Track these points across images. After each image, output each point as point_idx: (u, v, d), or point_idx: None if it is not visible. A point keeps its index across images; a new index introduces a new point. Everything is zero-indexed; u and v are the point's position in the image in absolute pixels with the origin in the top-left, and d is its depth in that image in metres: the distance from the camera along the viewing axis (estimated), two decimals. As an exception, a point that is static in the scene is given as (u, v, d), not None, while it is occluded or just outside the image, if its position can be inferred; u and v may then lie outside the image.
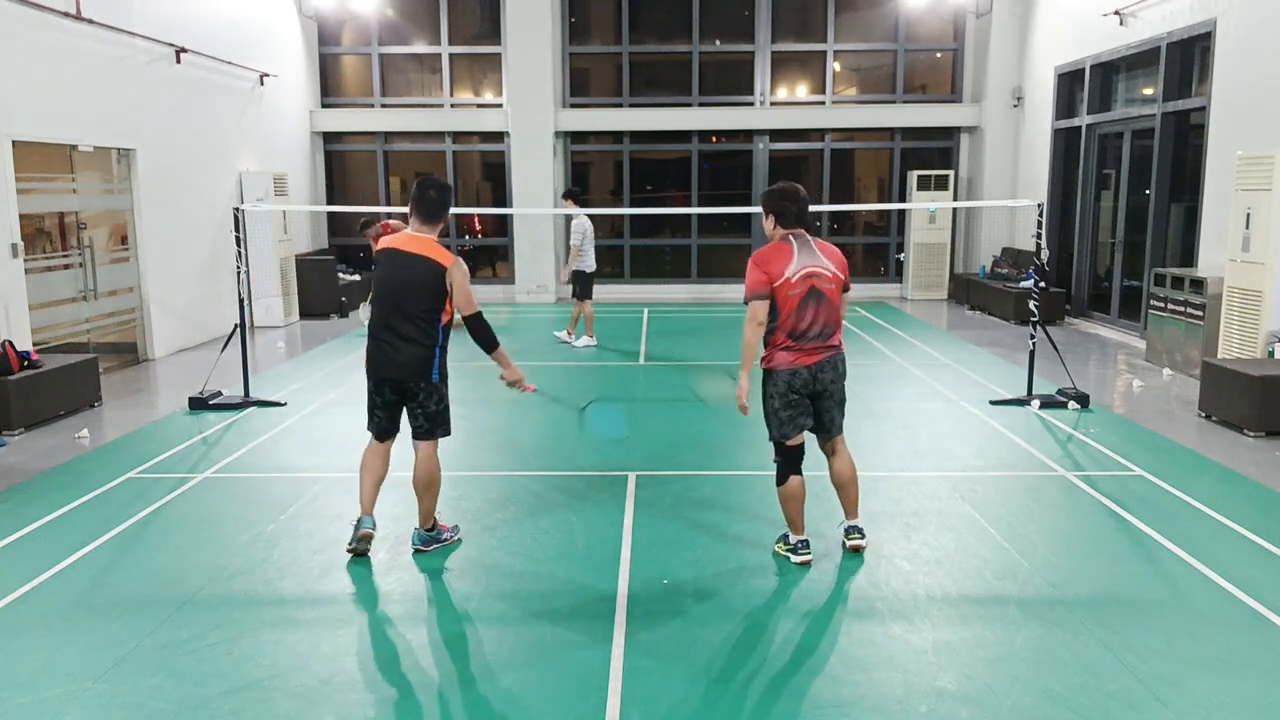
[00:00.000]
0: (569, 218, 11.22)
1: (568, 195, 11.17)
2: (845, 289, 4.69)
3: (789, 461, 4.74)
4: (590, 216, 11.17)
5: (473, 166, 16.76)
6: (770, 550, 4.95)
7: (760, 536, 5.14)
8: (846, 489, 4.86)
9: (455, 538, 5.12)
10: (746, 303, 4.59)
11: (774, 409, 4.67)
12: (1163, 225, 11.13)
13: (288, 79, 14.36)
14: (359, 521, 4.90)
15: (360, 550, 4.87)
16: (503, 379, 4.91)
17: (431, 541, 4.98)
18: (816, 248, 4.61)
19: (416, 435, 4.85)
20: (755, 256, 4.61)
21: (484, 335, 4.74)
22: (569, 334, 11.43)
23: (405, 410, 4.86)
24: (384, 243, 4.75)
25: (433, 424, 4.82)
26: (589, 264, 11.08)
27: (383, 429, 4.91)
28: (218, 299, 11.71)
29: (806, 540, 4.81)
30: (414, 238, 4.69)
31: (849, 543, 4.88)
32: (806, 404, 4.65)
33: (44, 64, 8.84)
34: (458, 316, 4.76)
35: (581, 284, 11.13)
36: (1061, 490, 5.98)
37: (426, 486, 4.88)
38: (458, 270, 4.63)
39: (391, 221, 11.08)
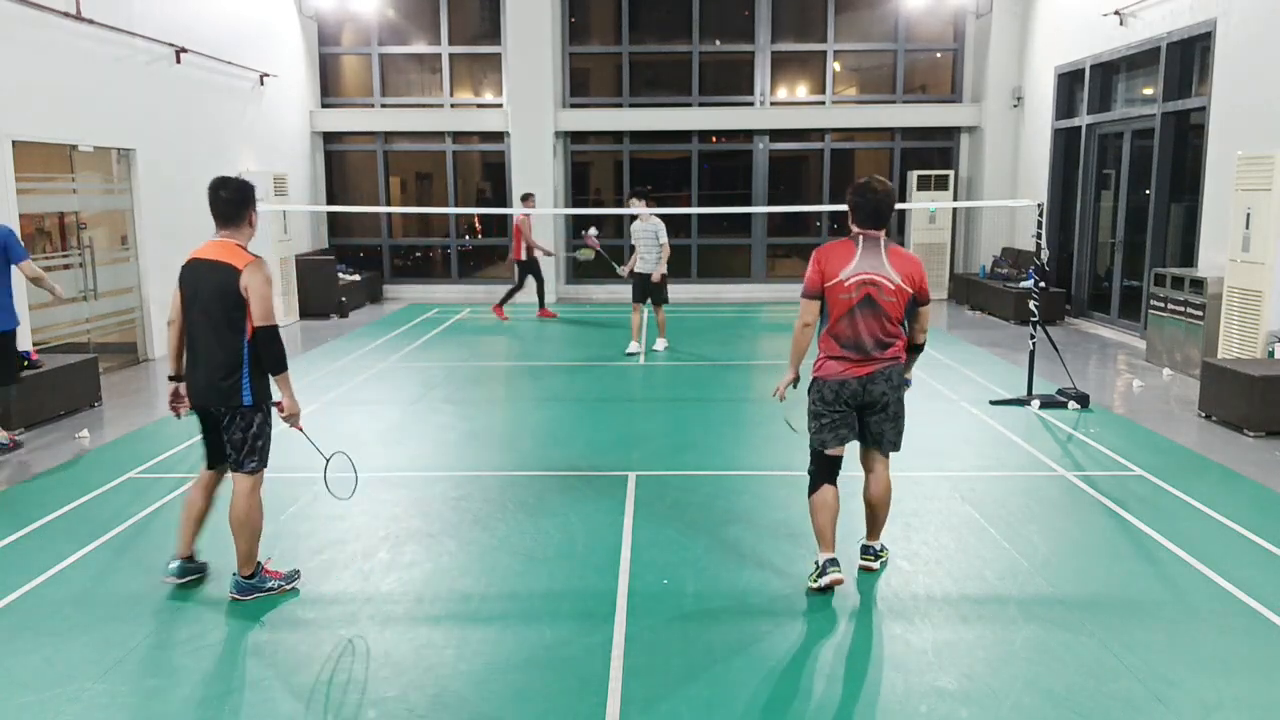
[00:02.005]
0: (631, 218, 10.91)
1: (640, 195, 10.41)
2: (924, 302, 4.35)
3: (823, 471, 4.44)
4: (593, 217, 11.04)
5: (473, 166, 16.76)
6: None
7: (760, 536, 5.14)
8: (875, 510, 4.58)
9: (287, 587, 4.48)
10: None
11: (815, 413, 4.39)
12: (1163, 225, 11.12)
13: (288, 79, 14.36)
14: (171, 563, 4.53)
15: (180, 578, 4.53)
16: (277, 405, 4.37)
17: (251, 590, 4.39)
18: (887, 254, 4.25)
19: (230, 465, 4.37)
20: (817, 251, 4.34)
21: (272, 354, 4.23)
22: (659, 341, 10.94)
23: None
24: (189, 256, 4.32)
25: (240, 453, 4.31)
26: (646, 267, 10.53)
27: (207, 455, 4.50)
28: (218, 299, 11.69)
29: (835, 558, 4.43)
30: (215, 244, 4.27)
31: (860, 561, 4.68)
32: (852, 416, 4.37)
33: (44, 64, 8.84)
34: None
35: (659, 289, 10.62)
36: (1061, 490, 5.98)
37: (239, 527, 4.35)
38: (253, 272, 4.16)
39: (529, 209, 12.07)
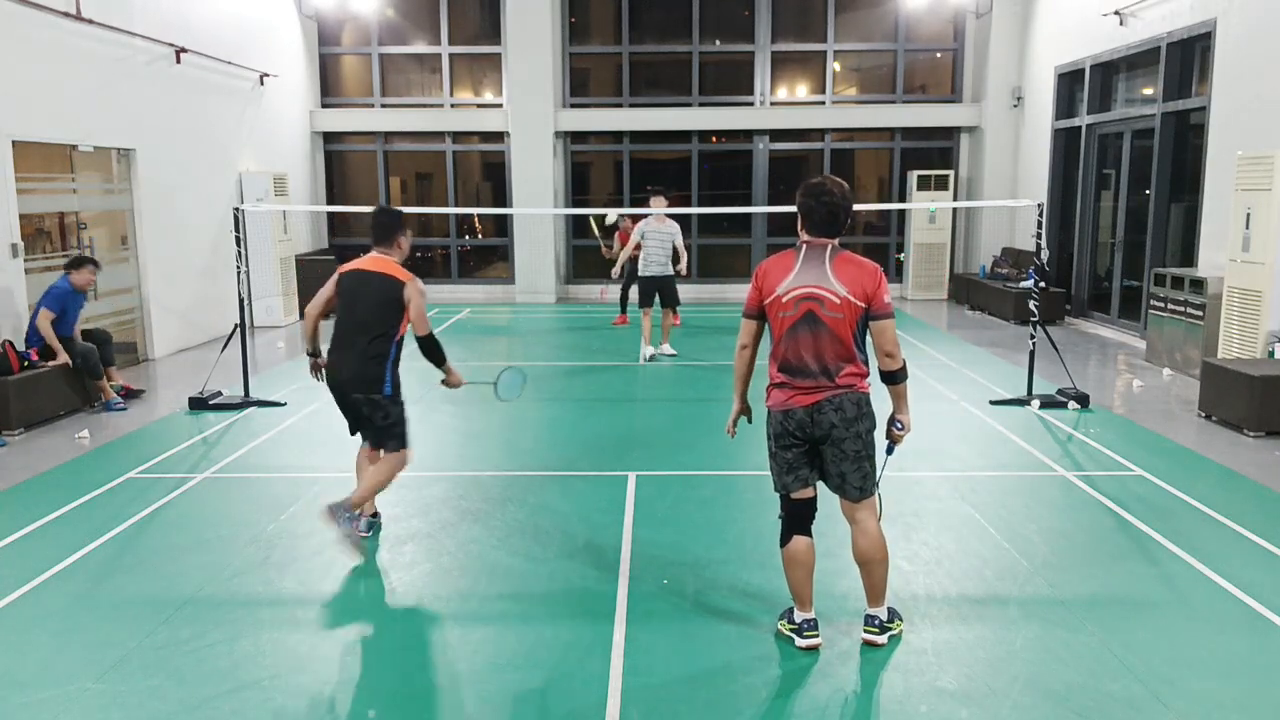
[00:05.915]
0: (639, 217, 10.68)
1: (663, 195, 10.18)
2: (878, 316, 3.73)
3: (794, 519, 3.91)
4: (586, 217, 10.97)
5: (473, 166, 16.76)
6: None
7: (760, 536, 5.13)
8: (868, 570, 3.92)
9: (364, 533, 5.02)
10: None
11: (770, 453, 3.91)
12: (1163, 225, 11.13)
13: (288, 79, 14.35)
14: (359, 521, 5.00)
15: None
16: (445, 383, 5.23)
17: (337, 510, 4.79)
18: (832, 264, 3.73)
19: (372, 444, 5.13)
20: (758, 266, 3.93)
21: (436, 355, 5.03)
22: (665, 345, 10.50)
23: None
24: (347, 267, 5.04)
25: (380, 436, 5.03)
26: (656, 269, 10.13)
27: (359, 434, 5.18)
28: (218, 299, 11.71)
29: (814, 619, 3.95)
30: (374, 259, 5.01)
31: (863, 634, 3.97)
32: (807, 452, 3.84)
33: (44, 64, 8.84)
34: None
35: (673, 291, 10.30)
36: (1061, 490, 5.98)
37: (368, 478, 5.02)
38: (413, 288, 4.90)
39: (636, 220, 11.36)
